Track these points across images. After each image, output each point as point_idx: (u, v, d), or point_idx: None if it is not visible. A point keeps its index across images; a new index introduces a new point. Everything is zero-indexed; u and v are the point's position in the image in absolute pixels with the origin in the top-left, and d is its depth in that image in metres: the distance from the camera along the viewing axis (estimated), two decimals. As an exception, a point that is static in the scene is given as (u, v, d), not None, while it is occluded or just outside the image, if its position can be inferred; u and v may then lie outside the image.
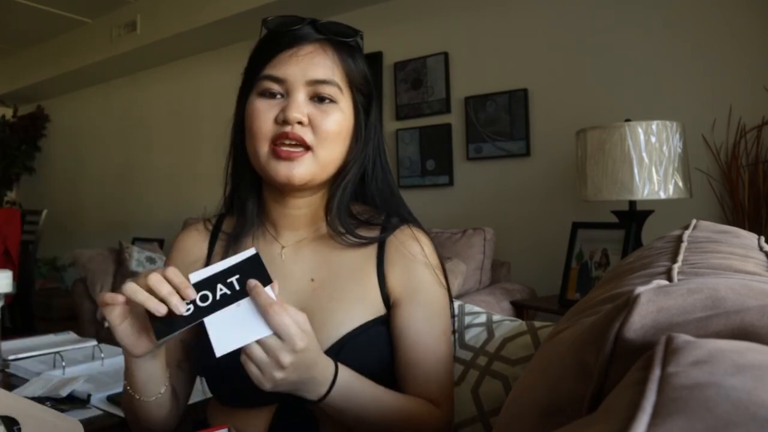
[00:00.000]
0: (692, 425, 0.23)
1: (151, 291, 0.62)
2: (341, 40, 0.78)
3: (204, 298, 0.62)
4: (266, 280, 0.63)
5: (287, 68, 0.74)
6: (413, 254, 0.81)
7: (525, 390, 0.47)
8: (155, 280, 0.62)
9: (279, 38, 0.76)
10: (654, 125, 1.90)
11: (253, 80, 0.77)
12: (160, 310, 0.61)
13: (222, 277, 0.63)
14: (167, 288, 0.62)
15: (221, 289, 0.63)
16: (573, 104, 2.57)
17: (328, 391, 0.67)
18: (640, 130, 1.89)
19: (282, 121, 0.73)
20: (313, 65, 0.75)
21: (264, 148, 0.74)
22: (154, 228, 4.32)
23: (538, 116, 2.70)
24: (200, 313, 0.62)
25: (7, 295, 1.51)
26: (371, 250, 0.81)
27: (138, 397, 0.73)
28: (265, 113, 0.75)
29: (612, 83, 2.47)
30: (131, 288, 0.62)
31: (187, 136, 4.28)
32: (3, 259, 3.06)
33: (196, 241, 0.88)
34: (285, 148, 0.73)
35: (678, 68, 2.31)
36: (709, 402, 0.23)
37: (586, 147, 2.02)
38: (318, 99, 0.75)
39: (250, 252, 0.65)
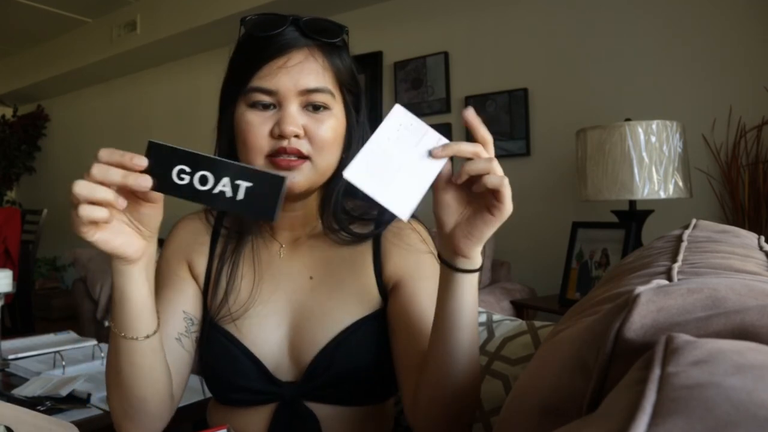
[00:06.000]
0: (692, 425, 0.23)
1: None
2: (329, 42, 0.76)
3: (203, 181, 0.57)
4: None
5: (278, 80, 0.72)
6: (410, 241, 0.81)
7: (525, 389, 0.47)
8: (100, 171, 0.55)
9: (265, 46, 0.73)
10: (654, 125, 1.89)
11: (239, 88, 0.74)
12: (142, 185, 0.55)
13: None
14: (118, 173, 0.55)
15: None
16: (573, 104, 2.57)
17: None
18: (640, 130, 1.88)
19: (278, 135, 0.72)
20: (304, 75, 0.72)
21: (260, 161, 0.73)
22: (154, 228, 4.30)
23: (538, 116, 2.70)
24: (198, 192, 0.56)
25: (7, 295, 1.51)
26: (367, 244, 0.82)
27: (127, 335, 0.65)
28: (259, 127, 0.72)
29: (612, 83, 2.46)
30: (86, 187, 0.55)
31: (186, 135, 4.26)
32: (3, 258, 3.06)
33: (200, 230, 0.87)
34: (284, 158, 0.72)
35: (678, 68, 2.31)
36: (709, 402, 0.23)
37: (586, 147, 2.02)
38: (311, 107, 0.74)
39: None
